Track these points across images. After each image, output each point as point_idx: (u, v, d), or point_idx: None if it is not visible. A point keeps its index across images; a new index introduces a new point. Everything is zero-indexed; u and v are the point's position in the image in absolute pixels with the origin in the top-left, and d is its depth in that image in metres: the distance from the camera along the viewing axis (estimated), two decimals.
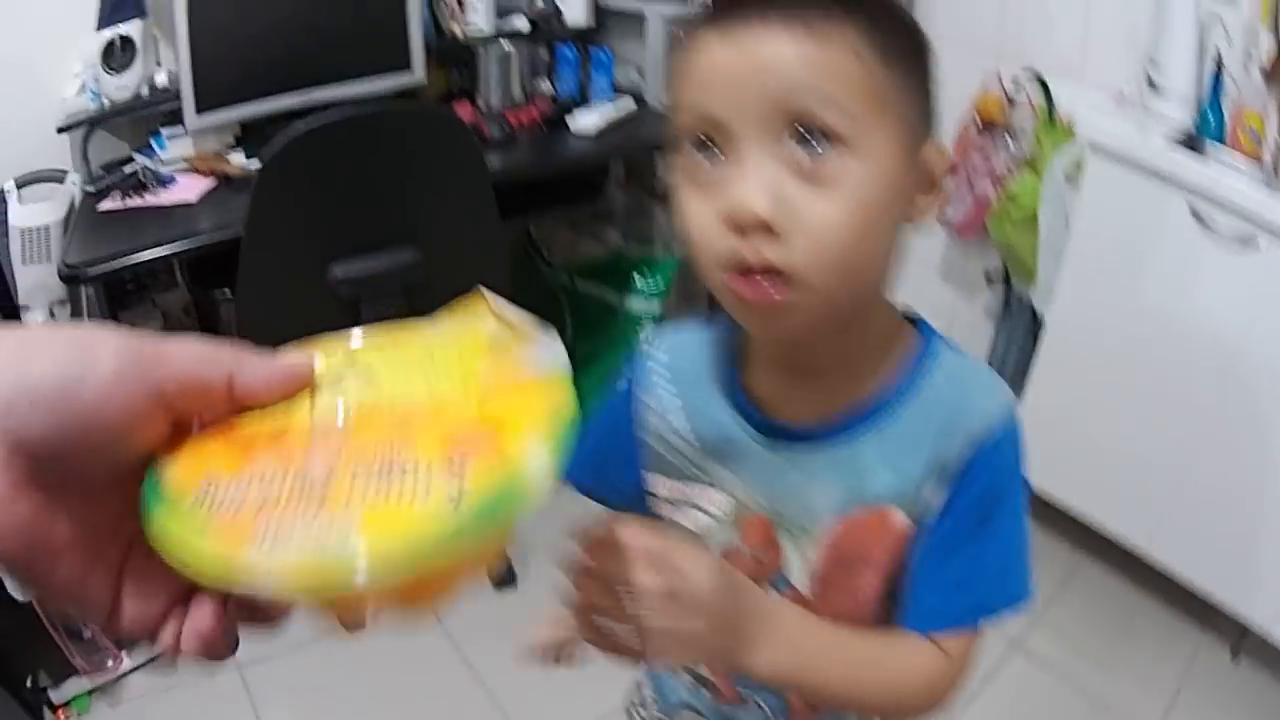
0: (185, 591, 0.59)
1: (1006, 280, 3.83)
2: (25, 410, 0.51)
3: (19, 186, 2.92)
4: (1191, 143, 2.90)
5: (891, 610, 1.13)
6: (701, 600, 0.85)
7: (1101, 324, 3.12)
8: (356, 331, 0.70)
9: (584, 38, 4.10)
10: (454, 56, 3.88)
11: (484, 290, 0.73)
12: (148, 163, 3.09)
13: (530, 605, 3.20)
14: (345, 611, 0.58)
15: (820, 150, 0.88)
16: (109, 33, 3.05)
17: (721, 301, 0.98)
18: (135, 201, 2.94)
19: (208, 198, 3.01)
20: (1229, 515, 2.93)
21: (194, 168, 3.13)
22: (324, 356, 0.66)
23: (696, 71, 0.93)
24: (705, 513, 1.19)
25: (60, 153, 3.16)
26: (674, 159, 0.99)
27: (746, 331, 1.07)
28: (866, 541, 1.10)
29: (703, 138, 0.93)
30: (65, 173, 3.04)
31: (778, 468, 1.12)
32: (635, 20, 3.99)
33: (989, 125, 3.67)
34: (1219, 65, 2.89)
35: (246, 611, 0.60)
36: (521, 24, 3.89)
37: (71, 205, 2.96)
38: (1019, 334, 3.78)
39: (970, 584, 1.07)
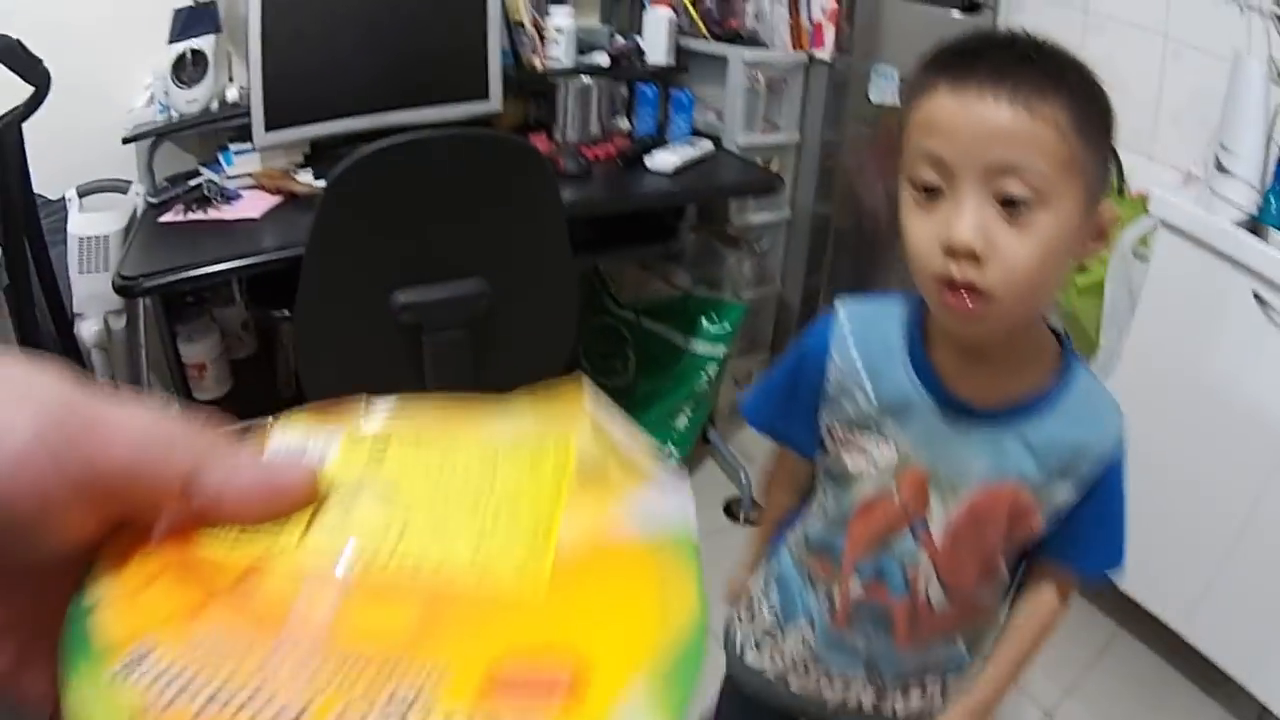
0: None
1: None
2: None
3: (81, 195, 2.91)
4: (1255, 227, 2.91)
5: (998, 564, 1.51)
6: None
7: (1159, 400, 3.09)
8: (391, 404, 0.52)
9: (664, 77, 4.10)
10: (532, 88, 3.87)
11: (585, 380, 0.54)
12: (214, 177, 3.07)
13: None
14: None
15: (1021, 204, 1.17)
16: (181, 46, 3.05)
17: (929, 302, 1.31)
18: (198, 215, 2.92)
19: (272, 215, 2.98)
20: (1265, 601, 2.91)
21: (260, 184, 3.12)
22: (342, 446, 0.48)
23: (928, 117, 1.23)
24: (869, 457, 1.47)
25: (126, 163, 3.14)
26: (903, 190, 1.28)
27: (933, 315, 1.38)
28: (997, 508, 1.42)
29: (928, 182, 1.23)
30: (129, 183, 3.03)
31: (944, 433, 1.41)
32: (717, 63, 4.01)
33: None
34: None
35: None
36: (602, 60, 3.88)
37: (133, 216, 2.95)
38: None
39: (1106, 546, 1.56)
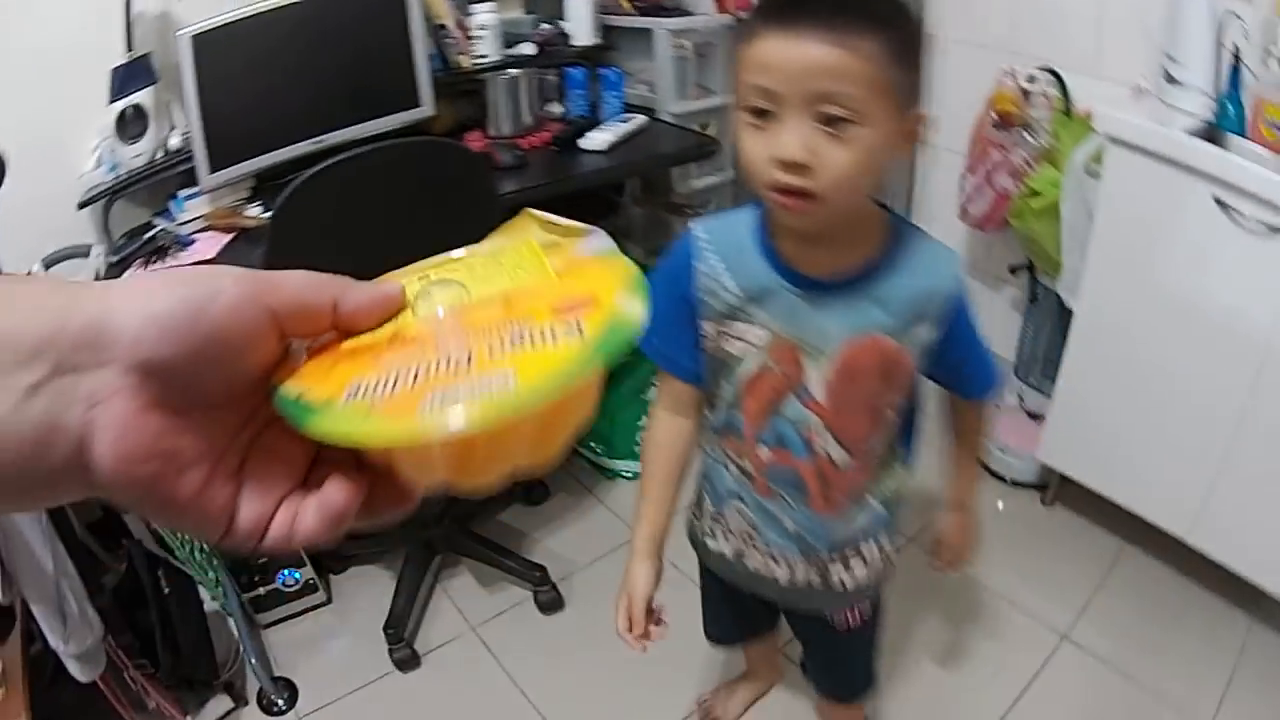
0: (290, 490, 0.64)
1: (1032, 272, 3.88)
2: (154, 338, 0.56)
3: (47, 266, 2.97)
4: (1211, 135, 2.93)
5: (885, 413, 1.79)
6: None
7: (1130, 313, 3.14)
8: (422, 263, 0.75)
9: (592, 58, 4.16)
10: (462, 88, 3.92)
11: (530, 210, 0.80)
12: (167, 225, 3.14)
13: (578, 632, 3.22)
14: (497, 450, 0.61)
15: (840, 123, 1.41)
16: (121, 103, 3.10)
17: (768, 204, 1.55)
18: (157, 266, 2.97)
19: (226, 252, 3.05)
20: (1266, 502, 2.94)
21: (212, 225, 3.18)
22: (406, 282, 0.70)
23: (759, 57, 1.44)
24: (745, 342, 1.72)
25: (84, 228, 3.21)
26: (737, 114, 1.52)
27: (773, 213, 1.64)
28: (865, 359, 1.67)
29: (758, 105, 1.45)
30: (90, 246, 3.08)
31: (801, 307, 1.65)
32: (643, 36, 4.08)
33: (1006, 121, 3.74)
34: (1236, 58, 2.92)
35: (380, 492, 0.65)
36: (529, 49, 3.94)
37: (97, 278, 2.95)
38: (1047, 325, 3.84)
39: (978, 373, 1.86)
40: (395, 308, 0.67)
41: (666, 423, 1.94)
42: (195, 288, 0.58)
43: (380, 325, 0.66)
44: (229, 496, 0.62)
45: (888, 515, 2.00)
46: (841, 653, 2.40)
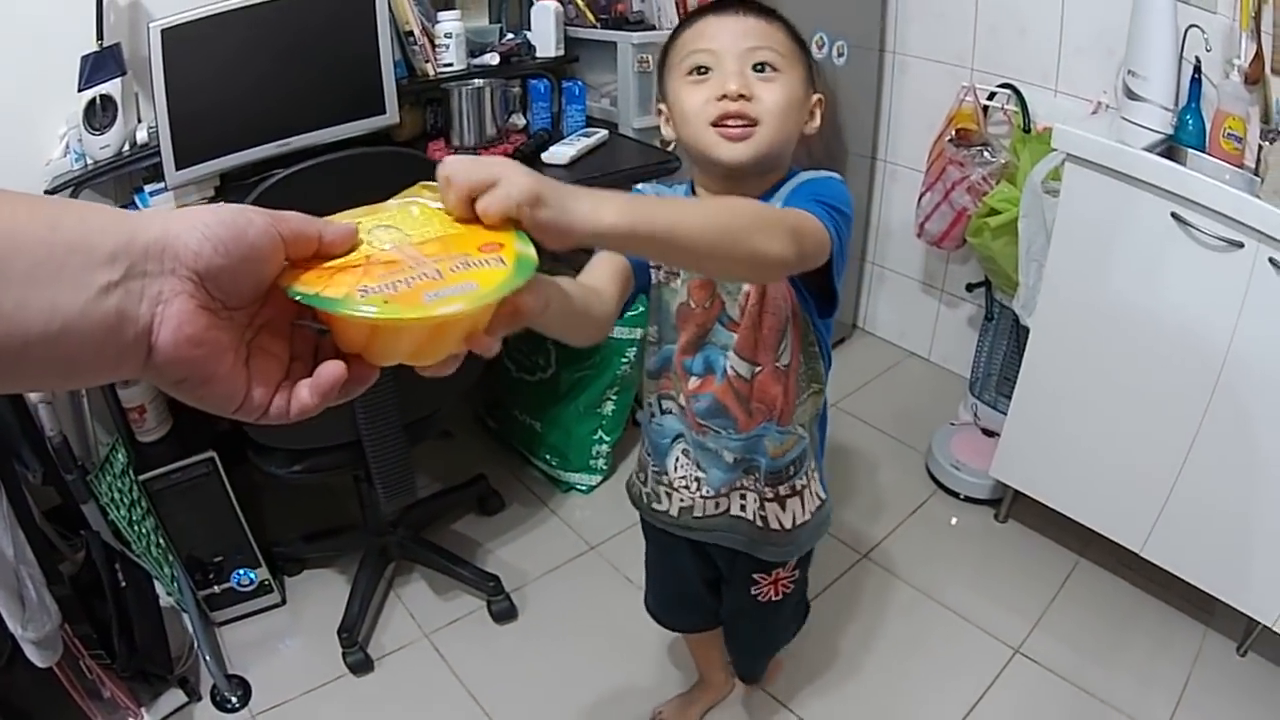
0: (280, 378, 0.89)
1: (989, 290, 3.93)
2: (211, 252, 0.78)
3: None
4: (1170, 150, 3.01)
5: (786, 324, 2.00)
6: (525, 174, 1.06)
7: (1085, 330, 3.21)
8: (351, 211, 1.02)
9: (556, 70, 4.22)
10: (427, 96, 3.99)
11: (425, 182, 1.06)
12: None
13: (531, 642, 3.28)
14: (444, 339, 0.94)
15: (767, 67, 1.82)
16: (90, 92, 3.14)
17: (706, 143, 1.84)
18: None
19: None
20: (1221, 514, 3.02)
21: None
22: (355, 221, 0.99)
23: (701, 30, 1.85)
24: (674, 278, 2.02)
25: None
26: (674, 79, 1.89)
27: (701, 186, 1.99)
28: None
29: (701, 64, 1.83)
30: None
31: None
32: (607, 49, 4.12)
33: (965, 138, 3.83)
34: (1197, 72, 2.99)
35: (351, 374, 0.90)
36: (493, 60, 3.98)
37: None
38: (1003, 342, 3.91)
39: (795, 202, 1.76)
40: (356, 240, 0.94)
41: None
42: (236, 215, 0.81)
43: (346, 253, 0.93)
44: (245, 378, 0.86)
45: (808, 442, 2.21)
46: (763, 626, 2.67)
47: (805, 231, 1.57)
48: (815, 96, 1.95)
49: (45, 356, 0.72)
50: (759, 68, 1.83)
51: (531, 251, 0.99)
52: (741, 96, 1.80)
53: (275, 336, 0.89)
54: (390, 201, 1.06)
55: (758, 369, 2.05)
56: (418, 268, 0.91)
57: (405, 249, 0.95)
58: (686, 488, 2.26)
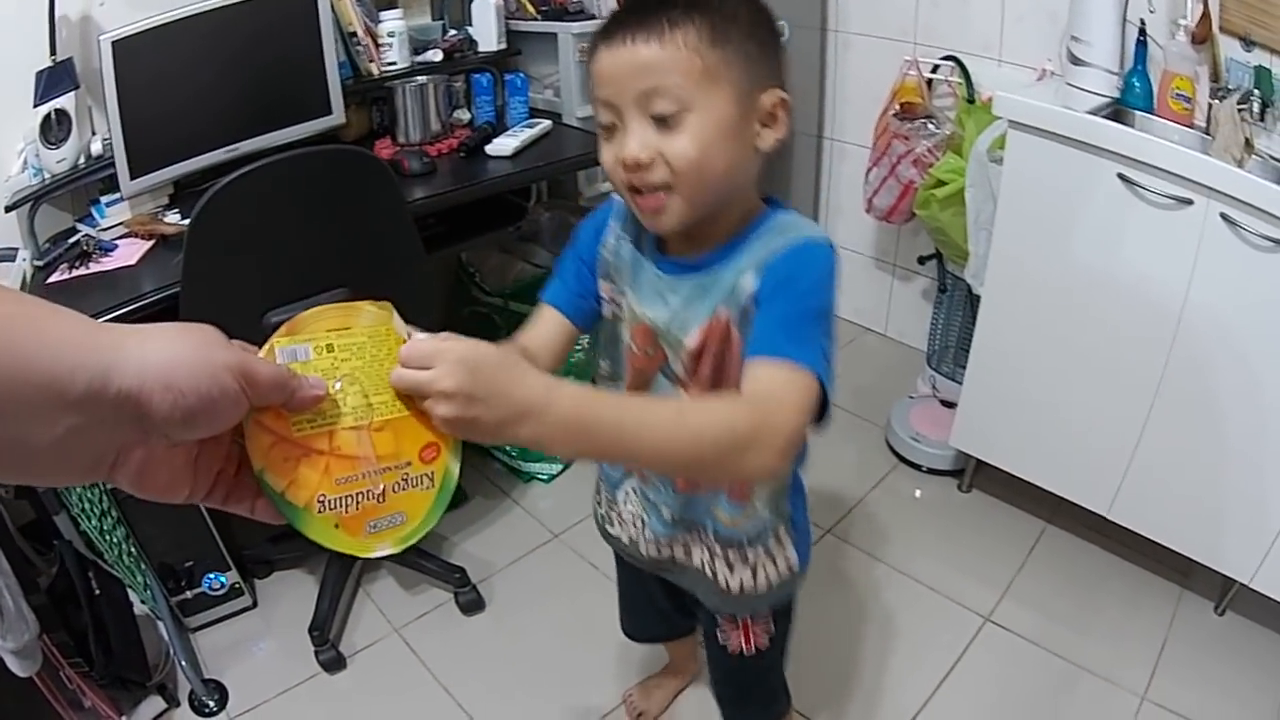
0: (224, 465, 1.00)
1: (940, 262, 3.99)
2: (179, 422, 0.85)
3: None
4: (1118, 114, 3.07)
5: (730, 384, 1.67)
6: (459, 385, 1.08)
7: (1036, 296, 3.27)
8: (326, 317, 1.11)
9: (498, 63, 4.29)
10: (372, 95, 4.05)
11: (390, 306, 1.15)
12: (90, 231, 3.23)
13: (499, 632, 3.42)
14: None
15: (668, 117, 1.48)
16: (45, 107, 3.21)
17: (637, 214, 1.60)
18: (81, 270, 3.06)
19: (148, 259, 3.18)
20: (1186, 473, 3.08)
21: (132, 231, 3.26)
22: (313, 349, 1.08)
23: (597, 73, 1.54)
24: (620, 312, 1.81)
25: (10, 231, 3.31)
26: (597, 128, 1.59)
27: None
28: (712, 339, 1.65)
29: (606, 114, 1.53)
30: (15, 250, 3.15)
31: (659, 287, 1.71)
32: (549, 41, 4.19)
33: (909, 112, 3.89)
34: (1142, 34, 3.06)
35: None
36: (436, 56, 4.06)
37: (24, 282, 3.12)
38: (958, 313, 3.97)
39: (774, 332, 1.49)
40: (318, 404, 1.03)
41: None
42: (210, 383, 0.86)
43: (311, 409, 1.03)
44: (191, 478, 0.96)
45: (771, 519, 2.01)
46: (734, 678, 2.44)
47: (794, 427, 1.36)
48: (772, 98, 1.55)
49: (17, 470, 0.81)
50: (659, 119, 1.49)
51: (456, 467, 1.13)
52: (640, 165, 1.50)
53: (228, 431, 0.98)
54: (362, 317, 1.13)
55: None
56: (368, 480, 1.06)
57: (363, 436, 1.07)
58: (634, 524, 2.13)
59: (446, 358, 1.08)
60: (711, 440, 1.28)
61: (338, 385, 1.07)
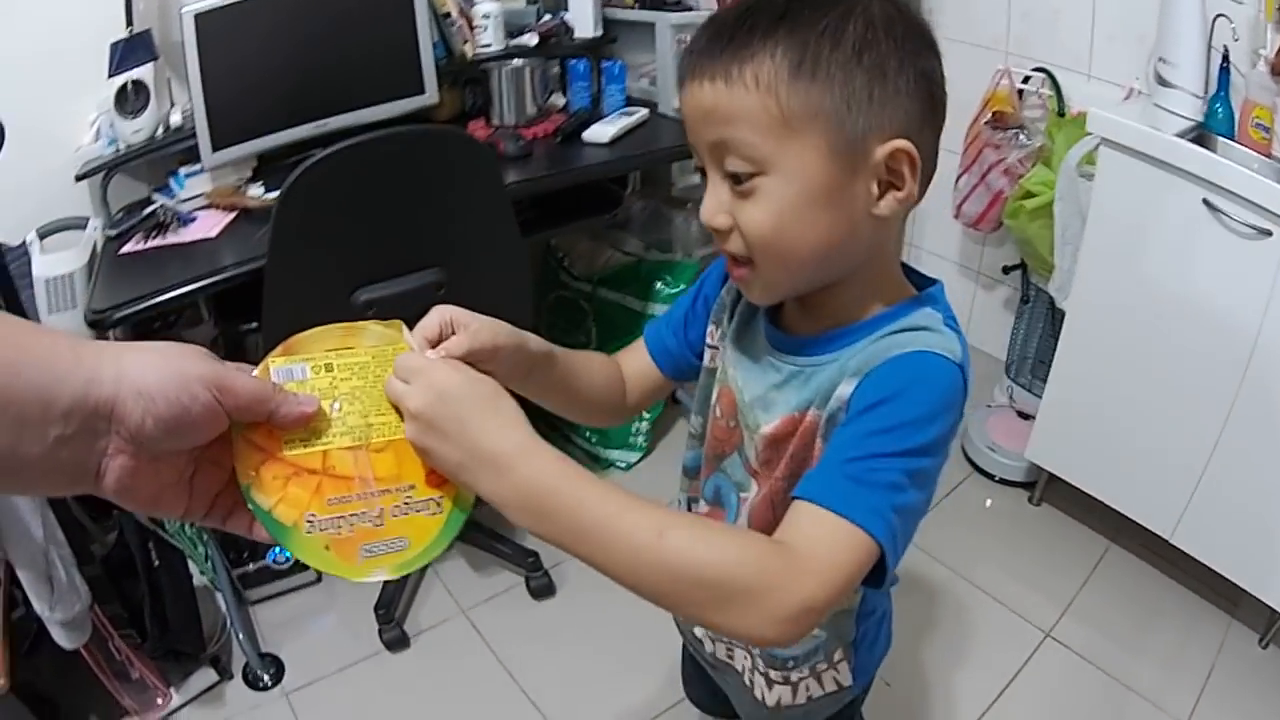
0: (224, 486, 0.97)
1: (1025, 273, 3.87)
2: (150, 428, 0.84)
3: (41, 237, 2.93)
4: (1201, 137, 2.93)
5: None
6: (422, 409, 0.99)
7: (1119, 315, 3.14)
8: (319, 333, 1.04)
9: (594, 50, 4.14)
10: (466, 77, 3.91)
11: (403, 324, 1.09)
12: (167, 202, 3.12)
13: (569, 619, 3.21)
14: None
15: (742, 177, 1.16)
16: (121, 78, 3.06)
17: None
18: (157, 241, 2.96)
19: (228, 231, 3.03)
20: (1252, 503, 2.94)
21: (213, 203, 3.16)
22: (311, 368, 1.01)
23: (682, 103, 1.23)
24: (716, 365, 1.50)
25: (80, 200, 3.18)
26: None
27: None
28: (795, 436, 1.31)
29: (695, 158, 1.24)
30: (87, 219, 3.06)
31: (761, 359, 1.39)
32: (646, 30, 4.02)
33: (1001, 121, 3.77)
34: (1226, 61, 2.93)
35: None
36: (531, 40, 3.91)
37: (94, 251, 2.98)
38: (1039, 325, 3.85)
39: (835, 470, 1.11)
40: (309, 422, 0.98)
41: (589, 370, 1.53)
42: (180, 390, 0.86)
43: (303, 428, 0.98)
44: (187, 498, 0.95)
45: (829, 642, 1.62)
46: None
47: (819, 599, 1.01)
48: (888, 147, 1.15)
49: (8, 479, 0.82)
50: (734, 176, 1.17)
51: (471, 496, 1.01)
52: (719, 231, 1.22)
53: (224, 448, 0.95)
54: (366, 337, 1.05)
55: None
56: (364, 502, 0.98)
57: (360, 456, 0.99)
58: None
59: (424, 377, 1.01)
60: (694, 579, 0.99)
61: (336, 406, 1.00)
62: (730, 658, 1.75)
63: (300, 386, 0.99)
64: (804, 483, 1.11)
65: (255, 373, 0.98)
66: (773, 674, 1.67)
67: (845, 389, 1.20)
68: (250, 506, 0.95)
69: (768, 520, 1.38)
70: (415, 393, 0.99)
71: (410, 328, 1.10)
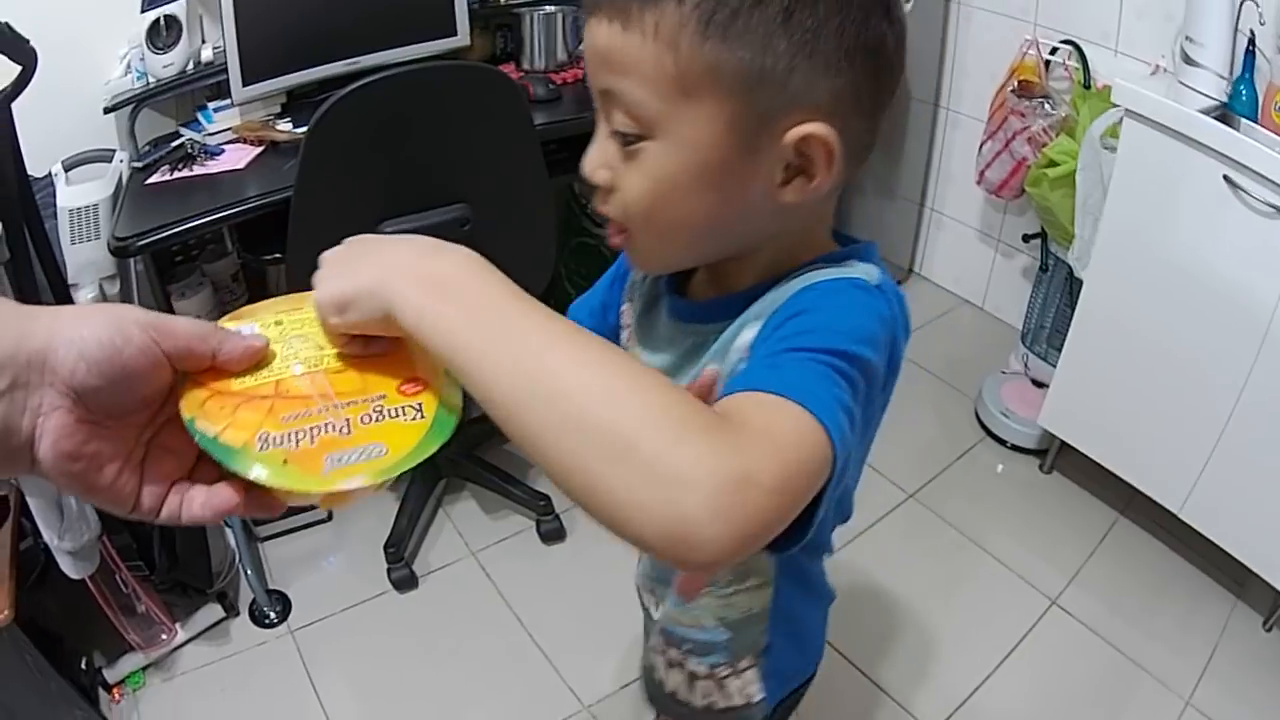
0: (180, 477, 0.86)
1: (1044, 241, 3.85)
2: (84, 372, 0.77)
3: (67, 169, 2.92)
4: (1224, 117, 2.91)
5: None
6: (335, 253, 0.91)
7: (1137, 286, 3.12)
8: (275, 302, 0.97)
9: None
10: (498, 21, 3.91)
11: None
12: (195, 136, 3.11)
13: (578, 564, 3.23)
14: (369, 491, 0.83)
15: (628, 137, 0.99)
16: (154, 13, 3.05)
17: None
18: (184, 173, 2.97)
19: (256, 164, 3.03)
20: (1262, 483, 2.92)
21: (242, 137, 3.16)
22: (260, 325, 0.93)
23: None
24: (628, 345, 1.34)
25: (105, 133, 3.17)
26: None
27: None
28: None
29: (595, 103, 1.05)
30: (113, 151, 3.03)
31: (664, 335, 1.25)
32: None
33: (1027, 90, 3.76)
34: (1252, 44, 2.91)
35: (253, 499, 0.85)
36: None
37: (120, 183, 2.96)
38: (1057, 294, 3.82)
39: (757, 368, 0.92)
40: (258, 360, 0.88)
41: None
42: (114, 333, 0.78)
43: (249, 370, 0.88)
44: (135, 483, 0.84)
45: (729, 643, 1.46)
46: None
47: (775, 472, 0.75)
48: (800, 131, 0.96)
49: None
50: (620, 135, 1.00)
51: (457, 397, 0.88)
52: (596, 188, 1.06)
53: (179, 432, 0.85)
54: (302, 299, 0.95)
55: None
56: (327, 414, 0.86)
57: (318, 378, 0.89)
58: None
59: (335, 260, 0.91)
60: (656, 415, 0.74)
61: (288, 345, 0.92)
62: (655, 610, 1.57)
63: None
64: (725, 391, 0.88)
65: None
66: (671, 653, 1.53)
67: (747, 335, 1.05)
68: (196, 439, 0.82)
69: None
70: (320, 287, 0.87)
71: None
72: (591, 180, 1.05)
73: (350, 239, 0.91)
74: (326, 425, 0.84)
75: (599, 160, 1.03)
